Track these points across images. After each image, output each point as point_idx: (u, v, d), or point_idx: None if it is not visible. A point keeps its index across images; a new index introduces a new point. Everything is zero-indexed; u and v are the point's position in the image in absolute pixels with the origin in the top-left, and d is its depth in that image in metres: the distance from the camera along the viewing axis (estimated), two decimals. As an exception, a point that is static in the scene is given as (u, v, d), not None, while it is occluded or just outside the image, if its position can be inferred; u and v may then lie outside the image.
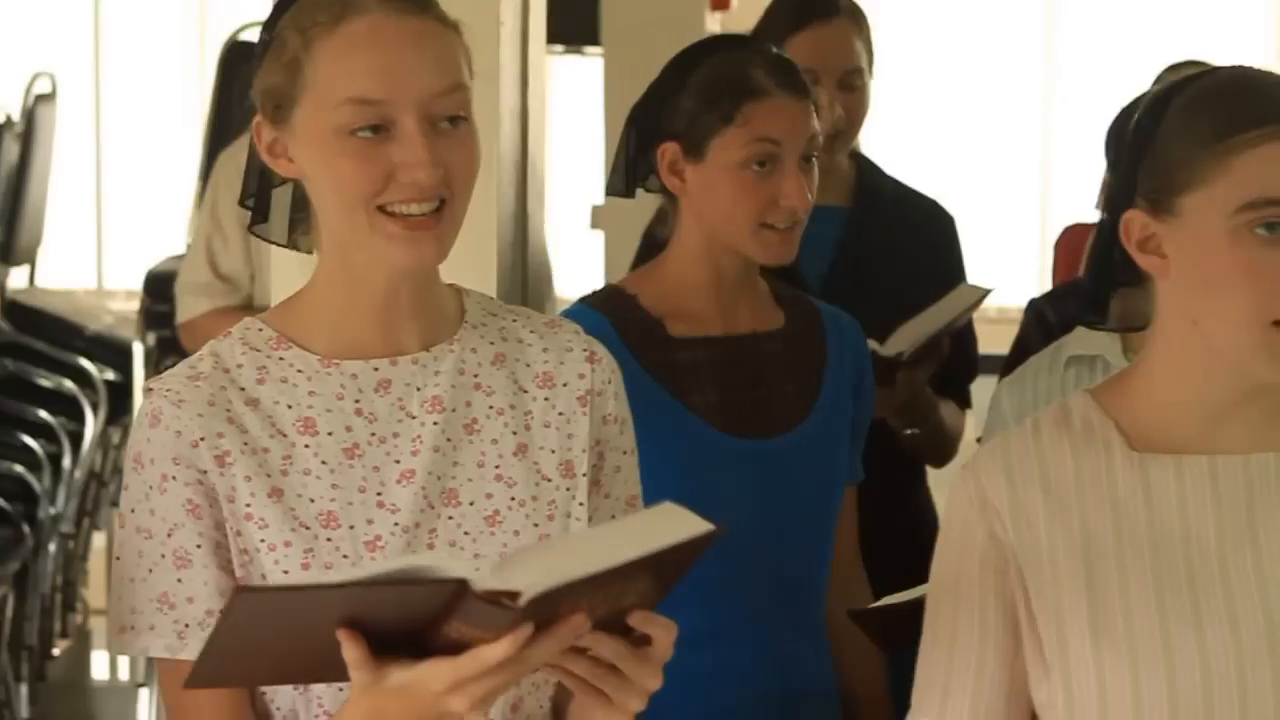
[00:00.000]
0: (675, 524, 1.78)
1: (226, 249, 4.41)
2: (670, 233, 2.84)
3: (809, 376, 2.82)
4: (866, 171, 3.56)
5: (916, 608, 2.53)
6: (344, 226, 1.98)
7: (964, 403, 3.57)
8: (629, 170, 2.86)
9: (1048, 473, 1.98)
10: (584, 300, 2.85)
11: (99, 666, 6.34)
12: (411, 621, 1.73)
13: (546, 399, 2.06)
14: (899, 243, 3.47)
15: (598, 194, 4.98)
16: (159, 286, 5.73)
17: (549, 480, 2.04)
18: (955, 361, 3.42)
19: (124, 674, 6.09)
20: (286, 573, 1.95)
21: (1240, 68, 1.97)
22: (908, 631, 2.61)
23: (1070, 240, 4.36)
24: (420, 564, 1.72)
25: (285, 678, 1.91)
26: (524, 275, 3.40)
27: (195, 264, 4.45)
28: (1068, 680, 1.96)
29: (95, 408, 5.91)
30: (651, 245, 3.00)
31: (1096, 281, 2.05)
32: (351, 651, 1.74)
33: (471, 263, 3.14)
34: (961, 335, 3.49)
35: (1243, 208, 1.89)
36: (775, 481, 2.75)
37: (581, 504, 2.05)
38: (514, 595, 1.69)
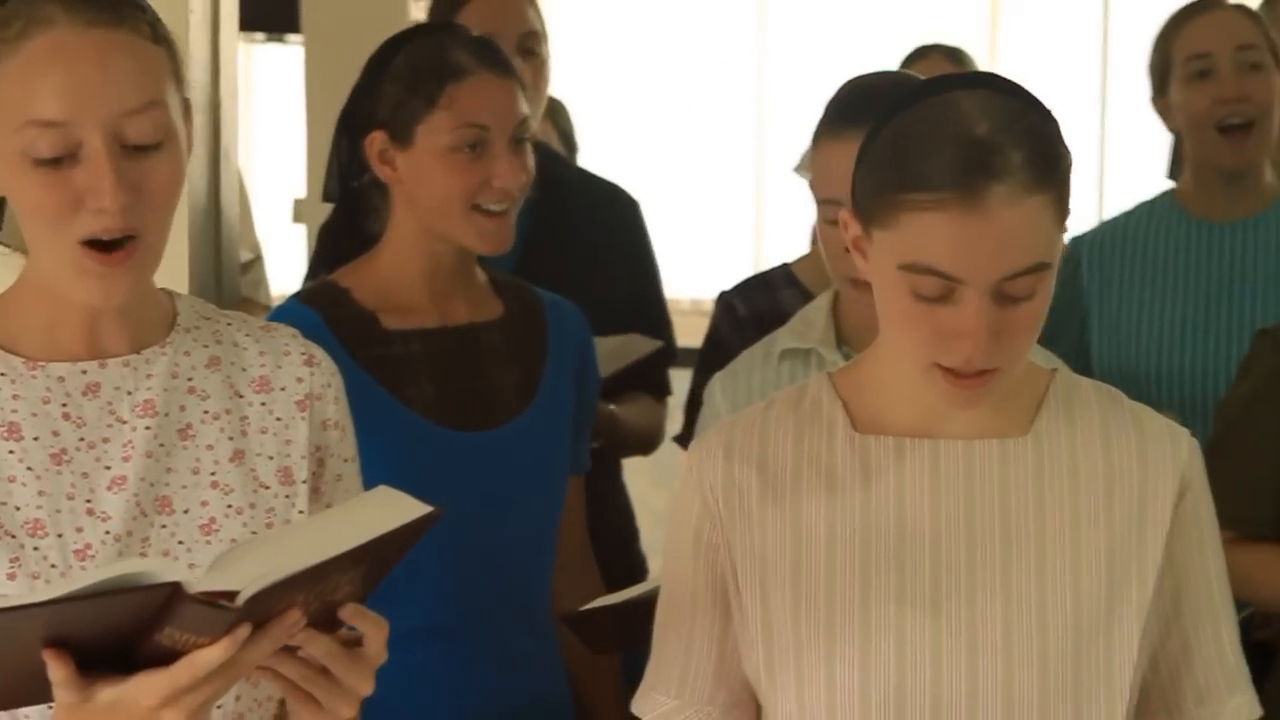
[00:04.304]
0: (393, 508, 1.75)
1: None
2: (382, 226, 2.79)
3: (530, 366, 2.78)
4: (550, 161, 3.57)
5: (629, 608, 2.51)
6: (40, 250, 1.92)
7: (662, 392, 3.62)
8: (342, 173, 2.82)
9: (767, 451, 2.00)
10: (295, 296, 2.79)
11: None
12: (121, 632, 1.66)
13: (263, 404, 2.02)
14: (585, 231, 3.50)
15: (301, 186, 4.88)
16: None
17: (267, 487, 1.99)
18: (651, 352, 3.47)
19: None
20: None
21: (952, 104, 1.90)
22: (624, 632, 2.56)
23: None
24: (132, 570, 1.64)
25: None
26: (218, 269, 3.34)
27: None
28: (770, 656, 1.98)
29: None
30: (332, 242, 2.95)
31: None
32: (59, 671, 1.66)
33: (164, 258, 3.06)
34: (657, 324, 3.55)
35: (903, 265, 1.89)
36: (496, 474, 2.70)
37: (301, 511, 2.01)
38: (231, 595, 1.65)
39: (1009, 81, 1.95)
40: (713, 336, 3.26)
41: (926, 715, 1.93)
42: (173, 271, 3.07)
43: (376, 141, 2.73)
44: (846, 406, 2.01)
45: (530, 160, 2.75)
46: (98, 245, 1.87)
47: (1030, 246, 1.87)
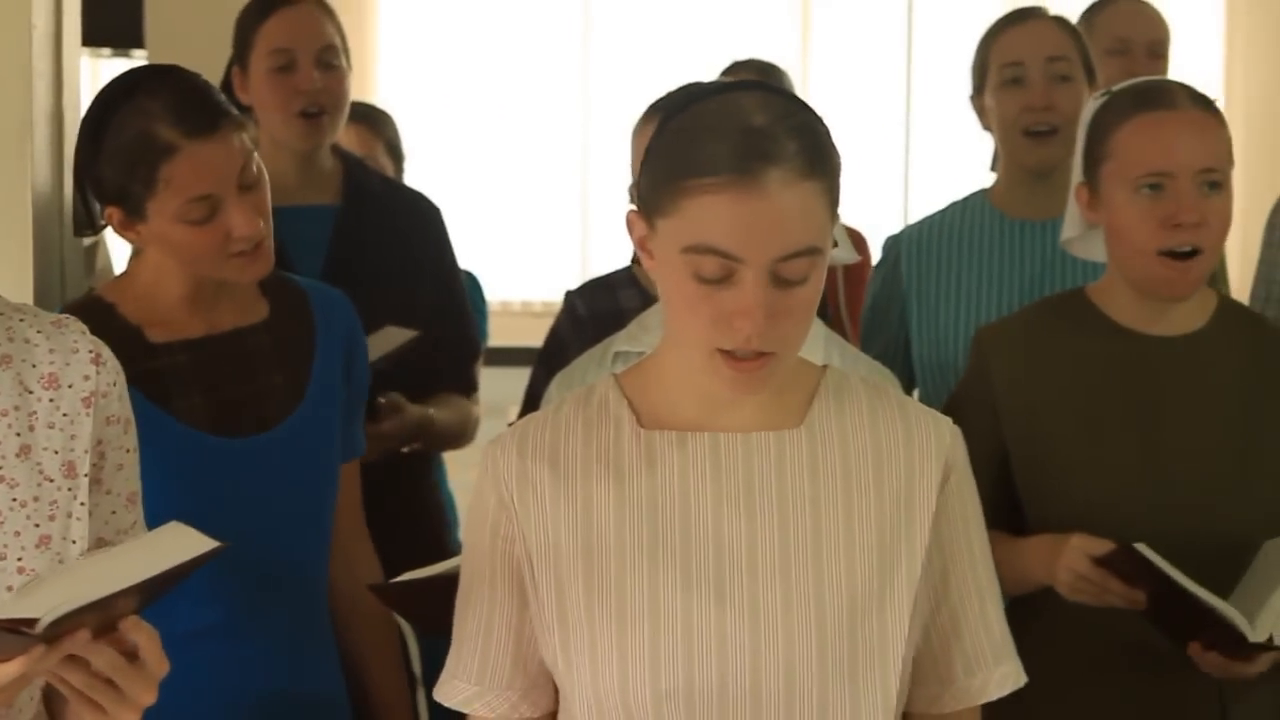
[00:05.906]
0: (182, 543, 1.87)
1: None
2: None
3: (299, 364, 2.80)
4: (353, 169, 3.62)
5: (439, 582, 2.56)
6: None
7: (470, 389, 3.68)
8: (90, 214, 2.80)
9: (558, 447, 2.08)
10: (64, 308, 2.79)
11: None
12: None
13: (51, 400, 2.06)
14: (390, 237, 3.55)
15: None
16: None
17: (51, 481, 2.04)
18: (454, 348, 3.55)
19: None
20: None
21: (732, 101, 2.00)
22: (434, 606, 2.62)
23: None
24: None
25: None
26: (62, 278, 3.40)
27: None
28: (565, 641, 2.06)
29: None
30: None
31: None
32: None
33: (6, 266, 3.12)
34: (460, 325, 3.62)
35: (686, 248, 1.97)
36: (270, 477, 2.73)
37: (83, 504, 2.05)
38: (31, 622, 1.75)
39: (782, 88, 2.08)
40: (554, 335, 3.34)
41: (713, 695, 2.02)
42: (17, 280, 3.16)
43: (114, 216, 2.73)
44: (632, 404, 2.09)
45: (266, 194, 2.75)
46: None
47: (804, 229, 1.95)
